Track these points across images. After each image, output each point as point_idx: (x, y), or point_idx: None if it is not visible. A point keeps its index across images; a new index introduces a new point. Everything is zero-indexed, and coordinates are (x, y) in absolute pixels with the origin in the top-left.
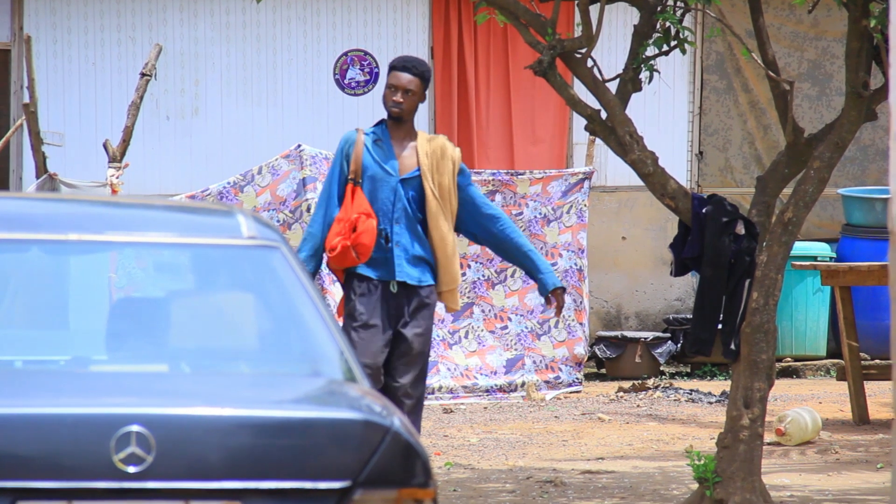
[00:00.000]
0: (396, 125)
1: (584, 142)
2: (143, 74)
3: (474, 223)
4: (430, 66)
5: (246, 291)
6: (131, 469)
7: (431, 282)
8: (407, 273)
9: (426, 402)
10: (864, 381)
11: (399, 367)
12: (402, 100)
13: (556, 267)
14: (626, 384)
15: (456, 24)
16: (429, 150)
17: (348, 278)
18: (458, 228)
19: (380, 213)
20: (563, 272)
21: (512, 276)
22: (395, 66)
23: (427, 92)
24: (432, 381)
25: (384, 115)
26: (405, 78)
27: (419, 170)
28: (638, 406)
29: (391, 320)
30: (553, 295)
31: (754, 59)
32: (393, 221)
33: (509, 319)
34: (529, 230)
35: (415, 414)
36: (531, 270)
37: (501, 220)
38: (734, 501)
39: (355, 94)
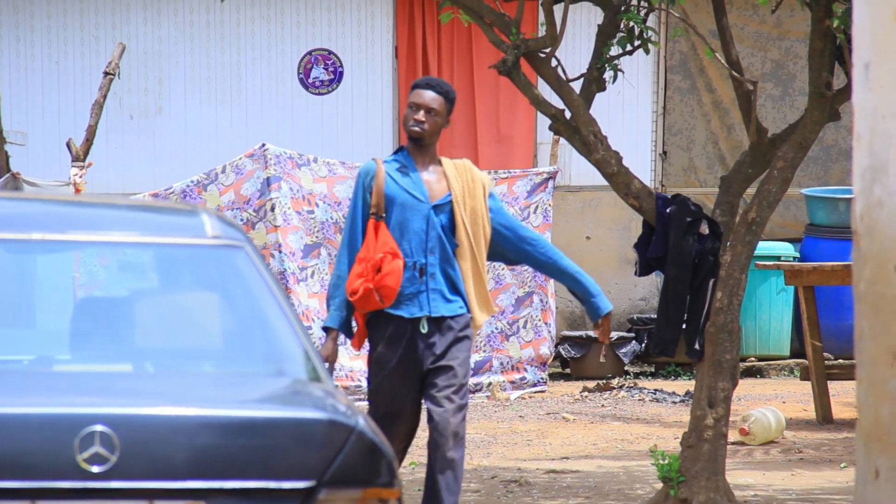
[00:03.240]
0: (418, 149)
1: (549, 141)
2: (106, 73)
3: (511, 247)
4: (452, 88)
5: (210, 291)
6: (95, 469)
7: (468, 313)
8: (442, 308)
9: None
10: (828, 381)
11: (442, 391)
12: (423, 119)
13: (522, 267)
14: (591, 384)
15: (420, 23)
16: (458, 173)
17: (374, 318)
18: (494, 254)
19: (413, 243)
20: (530, 272)
21: None
22: (417, 85)
23: (391, 91)
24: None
25: (350, 114)
26: (428, 95)
27: (450, 195)
28: (602, 406)
29: (421, 363)
30: (603, 320)
31: (718, 59)
32: (427, 252)
33: None
34: None
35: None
36: (582, 295)
37: (539, 243)
38: (698, 501)
39: (319, 94)
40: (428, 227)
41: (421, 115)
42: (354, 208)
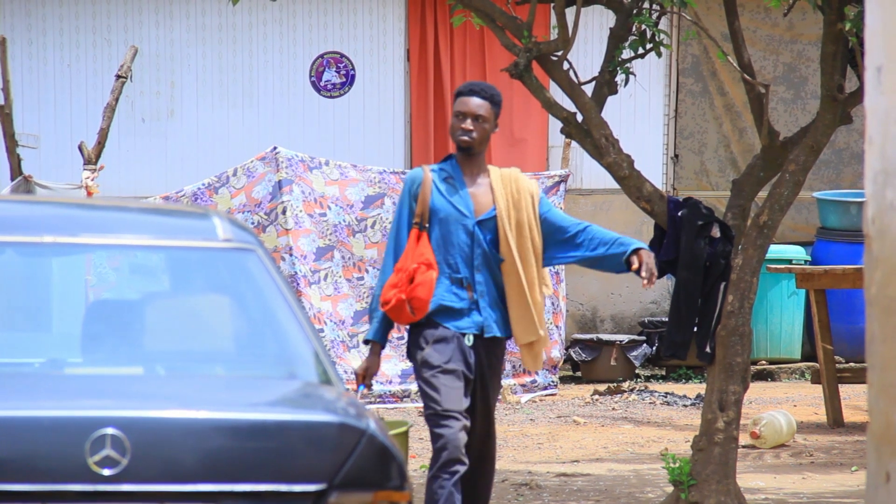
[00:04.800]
0: (467, 158)
1: (560, 144)
2: (118, 76)
3: (569, 245)
4: (498, 91)
5: (221, 294)
6: (106, 472)
7: (507, 333)
8: (492, 328)
9: (404, 405)
10: (839, 385)
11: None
12: (471, 127)
13: None
14: (602, 387)
15: (432, 26)
16: (503, 186)
17: (419, 324)
18: (554, 259)
19: (458, 259)
20: None
21: None
22: (461, 92)
23: (403, 94)
24: (411, 386)
25: (362, 117)
26: (474, 102)
27: (495, 210)
28: (613, 409)
29: (471, 369)
30: (634, 256)
31: (730, 63)
32: (474, 269)
33: None
34: None
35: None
36: (616, 253)
37: (590, 226)
38: None
39: (331, 97)
40: (473, 243)
41: (469, 124)
42: (399, 217)
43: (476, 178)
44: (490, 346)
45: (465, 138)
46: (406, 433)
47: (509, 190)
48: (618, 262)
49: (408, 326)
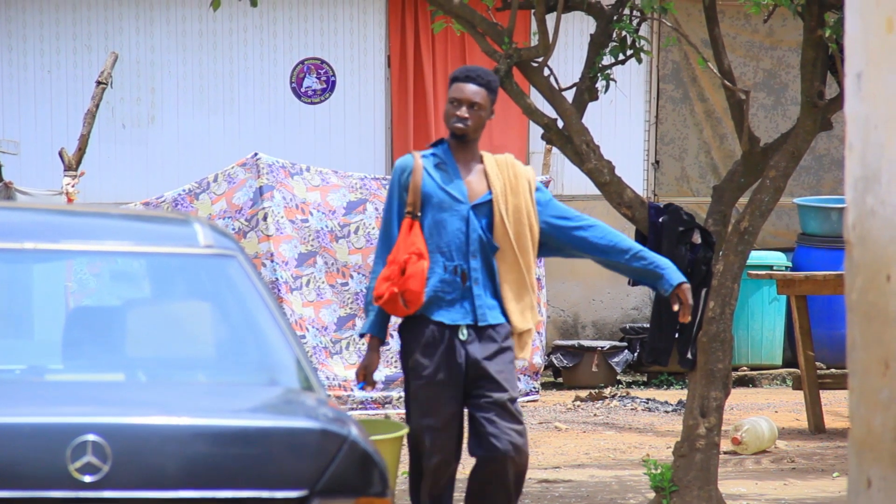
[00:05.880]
0: (460, 145)
1: (541, 151)
2: (98, 83)
3: (567, 238)
4: (495, 76)
5: (203, 300)
6: (87, 478)
7: (503, 321)
8: (488, 316)
9: (386, 411)
10: (820, 391)
11: (498, 423)
12: (466, 115)
13: None
14: (583, 393)
15: (412, 32)
16: (498, 170)
17: (409, 322)
18: (550, 250)
19: (452, 246)
20: None
21: None
22: (456, 77)
23: (384, 100)
24: (392, 392)
25: (343, 123)
26: (470, 89)
27: (491, 194)
28: (595, 415)
29: (461, 372)
30: (679, 290)
31: (710, 69)
32: (469, 256)
33: None
34: None
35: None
36: (650, 273)
37: (596, 226)
38: None
39: (312, 103)
40: (468, 229)
41: (464, 111)
42: (389, 207)
43: (469, 164)
44: (487, 335)
45: (460, 125)
46: (401, 438)
47: (506, 175)
48: (645, 281)
49: (398, 325)
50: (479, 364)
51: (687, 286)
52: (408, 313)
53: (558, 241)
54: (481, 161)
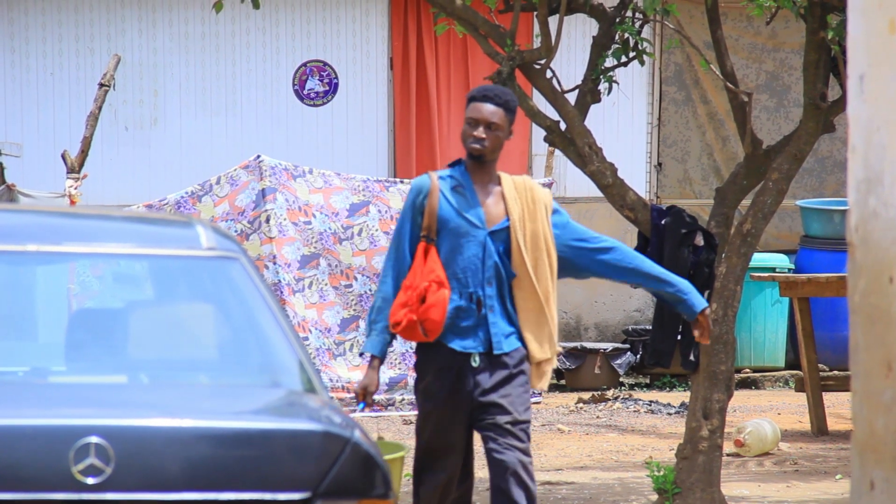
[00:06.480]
0: (478, 166)
1: (544, 153)
2: (101, 85)
3: (587, 261)
4: (513, 96)
5: (205, 302)
6: (90, 480)
7: (523, 347)
8: (502, 344)
9: (388, 413)
10: (823, 393)
11: (498, 441)
12: (484, 135)
13: None
14: (586, 395)
15: (415, 34)
16: (517, 195)
17: (424, 346)
18: (568, 272)
19: (468, 273)
20: None
21: None
22: (474, 97)
23: (386, 102)
24: (395, 395)
25: (345, 125)
26: (487, 109)
27: (508, 220)
28: (597, 417)
29: (470, 397)
30: (701, 317)
31: (713, 71)
32: (484, 283)
33: None
34: None
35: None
36: (672, 296)
37: (618, 248)
38: None
39: (314, 105)
40: (484, 256)
41: (481, 132)
42: (401, 228)
43: (487, 187)
44: (500, 362)
45: (477, 146)
46: (402, 459)
47: (524, 199)
48: (682, 307)
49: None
50: (486, 392)
51: (709, 311)
52: (426, 340)
53: (577, 264)
54: (499, 183)
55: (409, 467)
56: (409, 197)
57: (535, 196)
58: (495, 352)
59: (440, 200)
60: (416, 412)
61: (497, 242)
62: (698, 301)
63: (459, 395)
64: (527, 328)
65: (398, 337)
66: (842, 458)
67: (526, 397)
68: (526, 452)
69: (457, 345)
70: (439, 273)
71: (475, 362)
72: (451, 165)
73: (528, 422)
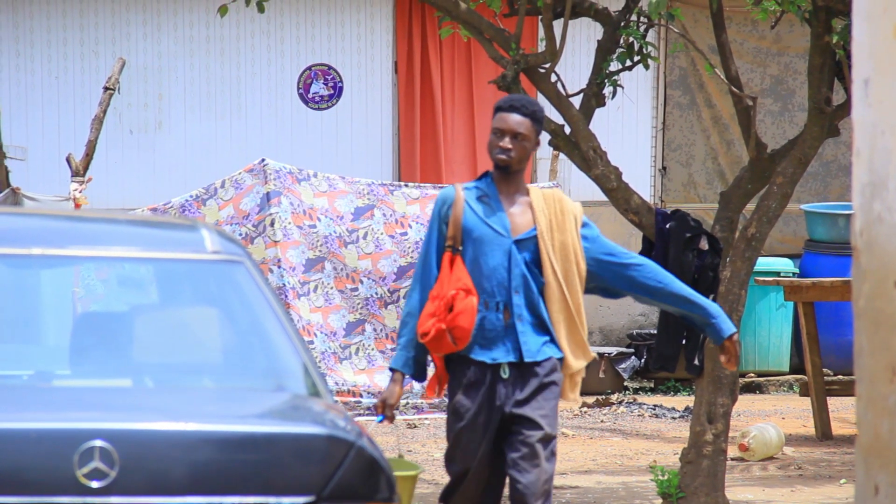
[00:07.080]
0: (504, 177)
1: (548, 157)
2: (106, 88)
3: (614, 277)
4: (540, 106)
5: (210, 306)
6: (95, 484)
7: (557, 355)
8: (531, 353)
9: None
10: (827, 397)
11: (520, 463)
12: (510, 146)
13: None
14: (590, 399)
15: (420, 38)
16: (546, 206)
17: (451, 363)
18: (594, 288)
19: (494, 282)
20: None
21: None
22: (500, 107)
23: (391, 106)
24: (402, 399)
25: (349, 129)
26: (514, 119)
27: (535, 229)
28: (602, 421)
29: (501, 410)
30: (729, 342)
31: (717, 75)
32: (511, 291)
33: None
34: None
35: None
36: (701, 319)
37: (645, 266)
38: None
39: (319, 109)
40: (510, 264)
41: (507, 142)
42: (429, 240)
43: (514, 197)
44: (531, 371)
45: (503, 157)
46: (415, 477)
47: (553, 210)
48: (709, 330)
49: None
50: (519, 403)
51: (737, 337)
52: (456, 350)
53: (604, 278)
54: (527, 194)
55: (421, 488)
56: (434, 208)
57: (563, 207)
58: (526, 359)
59: (465, 210)
60: (419, 415)
61: (523, 251)
62: (727, 326)
63: (490, 411)
64: (562, 337)
65: (427, 353)
66: (846, 463)
67: (556, 410)
68: (549, 475)
69: (485, 357)
70: (466, 281)
71: (505, 373)
72: (479, 178)
73: (555, 437)
